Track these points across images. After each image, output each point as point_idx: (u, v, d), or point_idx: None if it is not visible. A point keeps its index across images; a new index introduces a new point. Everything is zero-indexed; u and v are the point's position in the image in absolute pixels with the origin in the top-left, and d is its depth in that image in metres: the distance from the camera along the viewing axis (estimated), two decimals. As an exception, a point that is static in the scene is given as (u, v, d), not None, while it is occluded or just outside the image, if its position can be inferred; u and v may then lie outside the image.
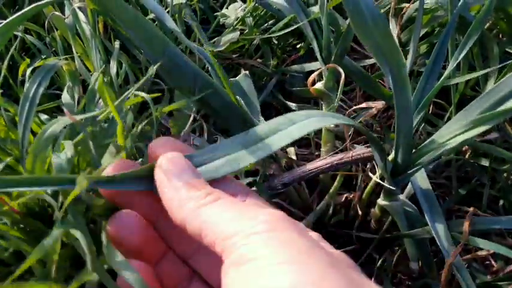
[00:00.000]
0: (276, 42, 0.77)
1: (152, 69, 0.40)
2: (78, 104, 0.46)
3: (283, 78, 0.73)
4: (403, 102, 0.38)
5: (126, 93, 0.39)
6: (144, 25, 0.38)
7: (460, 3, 0.51)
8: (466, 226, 0.41)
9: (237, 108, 0.47)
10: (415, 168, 0.43)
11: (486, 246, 0.42)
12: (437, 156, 0.41)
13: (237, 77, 0.54)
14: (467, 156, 0.62)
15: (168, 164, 0.30)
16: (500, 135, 0.58)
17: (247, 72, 0.54)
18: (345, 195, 0.63)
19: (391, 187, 0.44)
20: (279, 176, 0.53)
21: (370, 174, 0.54)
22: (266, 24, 0.74)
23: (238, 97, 0.49)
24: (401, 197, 0.54)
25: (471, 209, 0.43)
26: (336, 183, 0.62)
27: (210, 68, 0.49)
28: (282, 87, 0.73)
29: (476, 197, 0.62)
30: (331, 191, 0.62)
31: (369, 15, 0.34)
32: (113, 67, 0.50)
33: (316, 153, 0.66)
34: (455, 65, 0.46)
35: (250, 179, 0.53)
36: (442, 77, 0.48)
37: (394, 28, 0.64)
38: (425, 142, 0.43)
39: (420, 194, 0.47)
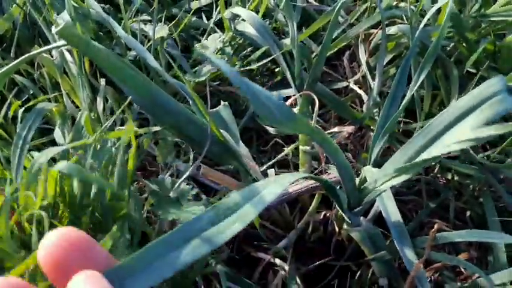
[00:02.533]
0: (255, 68, 0.81)
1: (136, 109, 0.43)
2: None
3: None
4: (340, 163, 0.43)
5: (104, 125, 0.42)
6: (127, 71, 0.41)
7: (418, 32, 0.55)
8: (428, 243, 0.45)
9: (218, 139, 0.51)
10: (364, 204, 0.47)
11: (443, 259, 0.47)
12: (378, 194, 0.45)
13: (217, 108, 0.58)
14: (435, 171, 0.67)
15: None
16: (462, 151, 0.63)
17: (226, 103, 0.58)
18: (323, 212, 0.68)
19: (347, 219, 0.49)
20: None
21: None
22: (245, 52, 0.78)
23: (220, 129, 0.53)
24: (369, 216, 0.58)
25: (435, 226, 0.48)
26: (314, 203, 0.66)
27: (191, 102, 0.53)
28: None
29: (446, 209, 0.66)
30: (310, 209, 0.66)
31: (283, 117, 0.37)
32: (100, 104, 0.53)
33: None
34: (415, 89, 0.51)
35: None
36: (404, 101, 0.53)
37: (363, 54, 0.69)
38: (366, 184, 0.47)
39: (387, 216, 0.51)
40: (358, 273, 0.61)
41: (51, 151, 0.38)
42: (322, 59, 0.57)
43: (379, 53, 0.57)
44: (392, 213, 0.50)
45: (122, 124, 0.61)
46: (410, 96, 0.52)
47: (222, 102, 0.58)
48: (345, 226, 0.55)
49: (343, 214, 0.51)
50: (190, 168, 0.46)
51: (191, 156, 0.60)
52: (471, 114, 0.45)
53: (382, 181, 0.45)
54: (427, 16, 0.46)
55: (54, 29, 0.49)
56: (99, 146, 0.44)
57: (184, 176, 0.46)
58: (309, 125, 0.40)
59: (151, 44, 0.70)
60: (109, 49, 0.73)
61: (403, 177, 0.43)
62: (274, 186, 0.35)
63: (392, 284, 0.54)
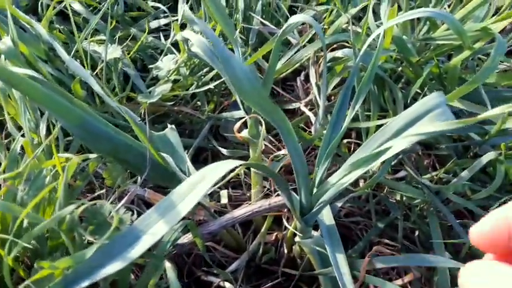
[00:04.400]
0: (212, 87, 0.81)
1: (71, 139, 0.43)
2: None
3: (219, 123, 0.78)
4: (293, 150, 0.43)
5: (35, 153, 0.42)
6: (57, 101, 0.41)
7: (359, 56, 0.56)
8: (363, 266, 0.46)
9: (160, 164, 0.51)
10: (318, 207, 0.48)
11: (378, 283, 0.48)
12: (334, 196, 0.46)
13: (164, 131, 0.58)
14: (384, 192, 0.68)
15: None
16: (409, 173, 0.64)
17: (173, 126, 0.58)
18: (275, 234, 0.68)
19: (300, 227, 0.49)
20: (204, 225, 0.56)
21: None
22: (201, 72, 0.78)
23: (163, 153, 0.53)
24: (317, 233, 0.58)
25: (374, 249, 0.48)
26: (265, 224, 0.66)
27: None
28: (217, 130, 0.77)
29: (395, 228, 0.67)
30: (261, 231, 0.66)
31: (248, 84, 0.38)
32: (43, 129, 0.53)
33: (248, 193, 0.71)
34: (354, 113, 0.52)
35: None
36: (344, 123, 0.53)
37: (313, 75, 0.70)
38: (322, 184, 0.48)
39: (325, 234, 0.52)
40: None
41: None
42: (268, 80, 0.57)
43: (323, 76, 0.58)
44: (331, 233, 0.51)
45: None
46: (350, 118, 0.53)
47: (169, 126, 0.59)
48: (297, 238, 0.55)
49: (296, 221, 0.50)
50: (126, 197, 0.46)
51: (139, 179, 0.60)
52: (415, 125, 0.46)
53: (335, 180, 0.45)
54: (368, 40, 0.47)
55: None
56: (33, 175, 0.43)
57: (121, 204, 0.46)
58: (270, 101, 0.39)
59: (106, 64, 0.70)
60: (60, 69, 0.74)
61: (356, 173, 0.44)
62: (190, 198, 0.36)
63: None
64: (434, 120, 0.45)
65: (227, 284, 0.62)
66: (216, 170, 0.40)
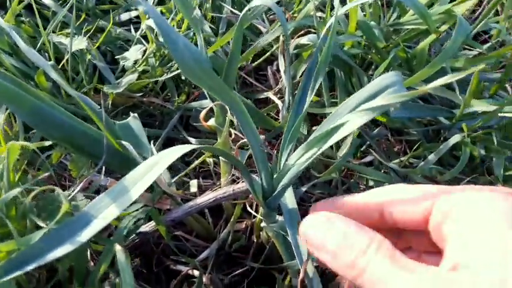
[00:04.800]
0: (183, 78, 0.81)
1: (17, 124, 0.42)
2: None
3: (190, 113, 0.77)
4: (248, 131, 0.43)
5: None
6: (5, 87, 0.40)
7: (320, 38, 0.56)
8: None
9: (119, 150, 0.50)
10: (279, 190, 0.47)
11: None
12: (295, 177, 0.45)
13: (126, 120, 0.58)
14: (354, 178, 0.67)
15: None
16: (377, 157, 0.64)
17: (135, 114, 0.58)
18: (245, 222, 0.67)
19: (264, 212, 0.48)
20: (167, 213, 0.56)
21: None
22: (171, 63, 0.78)
23: (124, 142, 0.52)
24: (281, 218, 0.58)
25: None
26: (235, 212, 0.65)
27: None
28: (188, 121, 0.77)
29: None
30: (231, 220, 0.65)
31: (196, 65, 0.37)
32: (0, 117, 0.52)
33: (218, 183, 0.70)
34: (312, 96, 0.51)
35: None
36: (305, 107, 0.53)
37: (282, 63, 0.69)
38: (282, 166, 0.47)
39: (287, 217, 0.51)
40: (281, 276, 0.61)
41: None
42: (231, 68, 0.57)
43: (286, 62, 0.58)
44: (292, 216, 0.51)
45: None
46: (310, 99, 0.52)
47: (132, 114, 0.58)
48: (262, 224, 0.55)
49: (260, 206, 0.50)
50: (81, 184, 0.45)
51: (103, 170, 0.60)
52: (372, 101, 0.46)
53: (293, 161, 0.44)
54: (328, 24, 0.47)
55: None
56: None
57: (76, 191, 0.45)
58: (220, 81, 0.39)
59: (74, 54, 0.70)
60: (26, 63, 0.73)
61: (312, 152, 0.43)
62: (141, 183, 0.36)
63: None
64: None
65: (196, 272, 0.62)
66: (171, 154, 0.40)
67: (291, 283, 0.60)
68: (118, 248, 0.37)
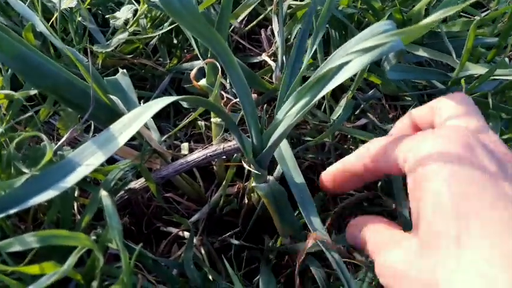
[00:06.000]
0: (175, 42, 0.79)
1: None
2: None
3: (181, 76, 0.76)
4: (237, 82, 0.42)
5: None
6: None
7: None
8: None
9: (106, 104, 0.49)
10: (269, 146, 0.46)
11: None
12: (286, 132, 0.44)
13: (115, 76, 0.56)
14: (348, 144, 0.67)
15: None
16: (371, 121, 0.63)
17: (124, 70, 0.56)
18: (237, 185, 0.67)
19: (253, 170, 0.47)
20: (157, 171, 0.55)
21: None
22: (163, 26, 0.76)
23: (112, 96, 0.51)
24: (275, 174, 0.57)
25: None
26: (227, 175, 0.65)
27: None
28: (179, 85, 0.75)
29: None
30: (223, 183, 0.65)
31: (184, 8, 0.36)
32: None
33: (209, 145, 0.69)
34: (311, 54, 0.50)
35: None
36: (301, 69, 0.52)
37: (276, 25, 0.68)
38: (272, 121, 0.46)
39: (289, 177, 0.51)
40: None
41: None
42: (221, 25, 0.55)
43: (279, 21, 0.56)
44: (295, 176, 0.50)
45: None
46: (306, 64, 0.51)
47: (120, 70, 0.57)
48: (252, 184, 0.54)
49: (250, 166, 0.49)
50: (67, 134, 0.44)
51: (92, 126, 0.58)
52: (364, 42, 0.44)
53: (282, 114, 0.43)
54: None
55: None
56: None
57: (62, 140, 0.44)
58: (206, 22, 0.37)
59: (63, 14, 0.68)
60: (15, 21, 0.71)
61: (302, 103, 0.42)
62: (128, 131, 0.35)
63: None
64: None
65: (186, 234, 0.61)
66: (157, 103, 0.39)
67: (282, 245, 0.60)
68: (104, 193, 0.36)
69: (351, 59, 0.38)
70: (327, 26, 0.63)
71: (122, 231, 0.33)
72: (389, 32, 0.33)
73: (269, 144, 0.47)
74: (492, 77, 0.60)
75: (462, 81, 0.56)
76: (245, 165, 0.51)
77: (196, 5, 0.41)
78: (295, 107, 0.43)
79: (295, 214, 0.56)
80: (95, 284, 0.35)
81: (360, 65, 0.38)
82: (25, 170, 0.38)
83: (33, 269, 0.32)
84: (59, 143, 0.44)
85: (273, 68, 0.66)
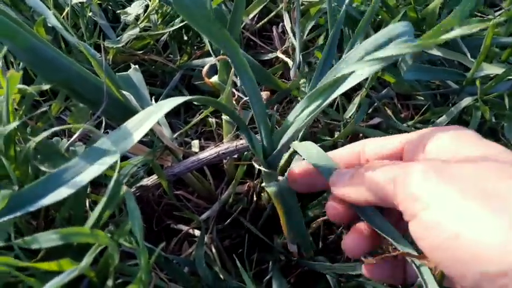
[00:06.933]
0: (186, 38, 0.79)
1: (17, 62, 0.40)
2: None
3: (192, 73, 0.75)
4: (248, 84, 0.41)
5: None
6: (3, 24, 0.38)
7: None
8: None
9: (119, 100, 0.49)
10: (280, 147, 0.45)
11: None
12: (296, 134, 0.43)
13: (127, 72, 0.56)
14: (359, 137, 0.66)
15: None
16: (384, 120, 0.62)
17: (136, 66, 0.56)
18: (247, 183, 0.66)
19: (263, 169, 0.47)
20: (169, 168, 0.54)
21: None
22: (173, 22, 0.75)
23: (125, 92, 0.51)
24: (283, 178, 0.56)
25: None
26: (237, 173, 0.64)
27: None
28: (190, 81, 0.75)
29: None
30: (233, 182, 0.64)
31: (196, 9, 0.35)
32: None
33: (220, 143, 0.69)
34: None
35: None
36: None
37: (288, 22, 0.67)
38: (283, 123, 0.46)
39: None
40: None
41: None
42: (235, 22, 0.55)
43: (296, 19, 0.56)
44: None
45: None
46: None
47: (132, 66, 0.56)
48: (263, 184, 0.54)
49: (260, 166, 0.48)
50: (79, 131, 0.44)
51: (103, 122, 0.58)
52: (380, 51, 0.43)
53: (293, 117, 0.43)
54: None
55: None
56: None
57: (74, 137, 0.44)
58: (217, 23, 0.37)
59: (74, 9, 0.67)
60: (25, 15, 0.70)
61: (314, 106, 0.41)
62: (142, 128, 0.35)
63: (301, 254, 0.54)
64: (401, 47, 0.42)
65: (197, 232, 0.61)
66: (169, 102, 0.38)
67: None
68: (126, 189, 0.36)
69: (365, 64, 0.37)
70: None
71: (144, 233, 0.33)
72: (409, 43, 0.33)
73: (279, 146, 0.46)
74: (507, 77, 0.60)
75: (477, 82, 0.56)
76: (255, 164, 0.51)
77: (208, 4, 0.40)
78: (306, 110, 0.42)
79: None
80: (109, 282, 0.35)
81: (373, 70, 0.37)
82: (43, 168, 0.38)
83: (51, 266, 0.32)
84: (71, 140, 0.44)
85: (289, 65, 0.65)
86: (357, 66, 0.38)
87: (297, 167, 0.45)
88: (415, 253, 0.33)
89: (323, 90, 0.41)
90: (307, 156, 0.42)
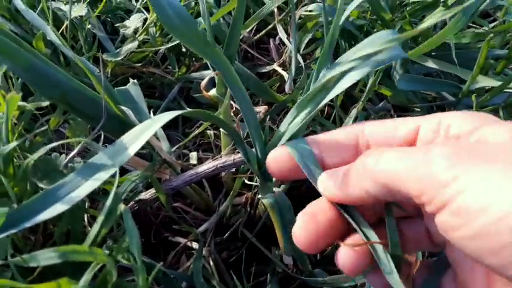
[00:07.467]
0: (184, 50, 0.79)
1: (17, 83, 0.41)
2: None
3: (190, 85, 0.76)
4: (240, 98, 0.41)
5: None
6: (2, 41, 0.39)
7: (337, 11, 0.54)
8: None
9: (117, 114, 0.49)
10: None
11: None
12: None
13: (125, 86, 0.56)
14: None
15: None
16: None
17: (135, 80, 0.56)
18: (245, 195, 0.66)
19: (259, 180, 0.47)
20: (167, 181, 0.55)
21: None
22: (171, 35, 0.76)
23: (123, 107, 0.51)
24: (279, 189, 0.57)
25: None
26: (235, 185, 0.64)
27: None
28: (188, 93, 0.75)
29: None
30: (231, 193, 0.64)
31: (177, 19, 0.36)
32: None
33: (219, 156, 0.69)
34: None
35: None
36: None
37: (283, 35, 0.68)
38: (275, 134, 0.46)
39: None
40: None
41: None
42: (233, 37, 0.55)
43: (292, 32, 0.56)
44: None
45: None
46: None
47: (131, 80, 0.57)
48: (259, 196, 0.54)
49: (256, 175, 0.49)
50: (78, 147, 0.44)
51: (102, 136, 0.58)
52: (363, 49, 0.44)
53: (284, 127, 0.43)
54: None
55: None
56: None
57: (73, 153, 0.44)
58: (205, 38, 0.37)
59: (73, 22, 0.68)
60: (25, 29, 0.71)
61: (304, 114, 0.41)
62: (137, 142, 0.35)
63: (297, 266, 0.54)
64: (386, 54, 0.42)
65: (195, 245, 0.61)
66: (165, 116, 0.38)
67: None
68: (124, 207, 0.36)
69: (351, 67, 0.38)
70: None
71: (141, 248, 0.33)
72: (391, 37, 0.33)
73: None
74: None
75: (473, 97, 0.56)
76: (254, 178, 0.51)
77: (207, 21, 0.41)
78: (297, 118, 0.42)
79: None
80: (107, 299, 0.35)
81: (361, 73, 0.37)
82: (42, 185, 0.38)
83: (50, 286, 0.32)
84: (69, 156, 0.44)
85: (285, 78, 0.66)
86: (344, 67, 0.38)
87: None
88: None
89: (312, 97, 0.41)
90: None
